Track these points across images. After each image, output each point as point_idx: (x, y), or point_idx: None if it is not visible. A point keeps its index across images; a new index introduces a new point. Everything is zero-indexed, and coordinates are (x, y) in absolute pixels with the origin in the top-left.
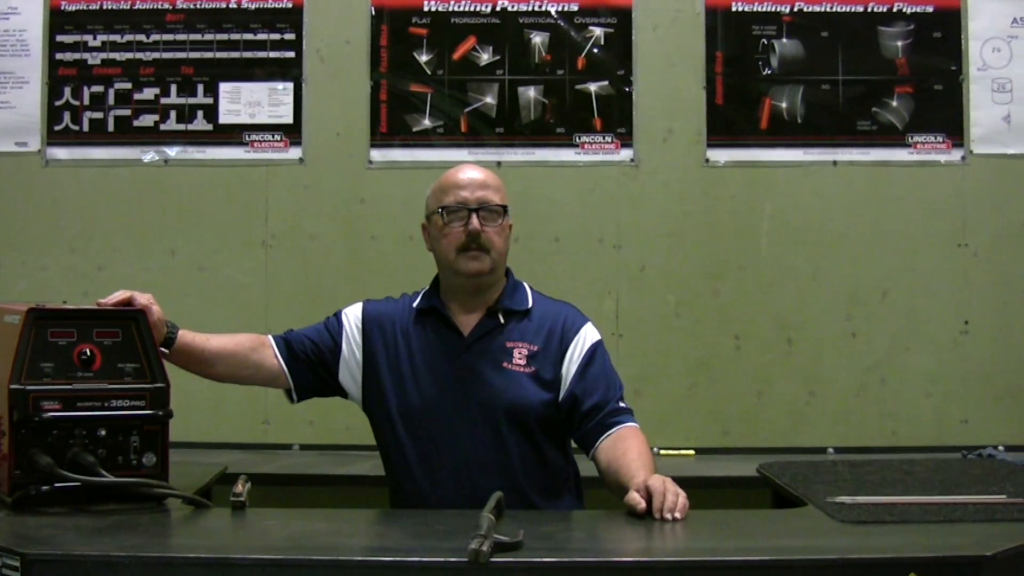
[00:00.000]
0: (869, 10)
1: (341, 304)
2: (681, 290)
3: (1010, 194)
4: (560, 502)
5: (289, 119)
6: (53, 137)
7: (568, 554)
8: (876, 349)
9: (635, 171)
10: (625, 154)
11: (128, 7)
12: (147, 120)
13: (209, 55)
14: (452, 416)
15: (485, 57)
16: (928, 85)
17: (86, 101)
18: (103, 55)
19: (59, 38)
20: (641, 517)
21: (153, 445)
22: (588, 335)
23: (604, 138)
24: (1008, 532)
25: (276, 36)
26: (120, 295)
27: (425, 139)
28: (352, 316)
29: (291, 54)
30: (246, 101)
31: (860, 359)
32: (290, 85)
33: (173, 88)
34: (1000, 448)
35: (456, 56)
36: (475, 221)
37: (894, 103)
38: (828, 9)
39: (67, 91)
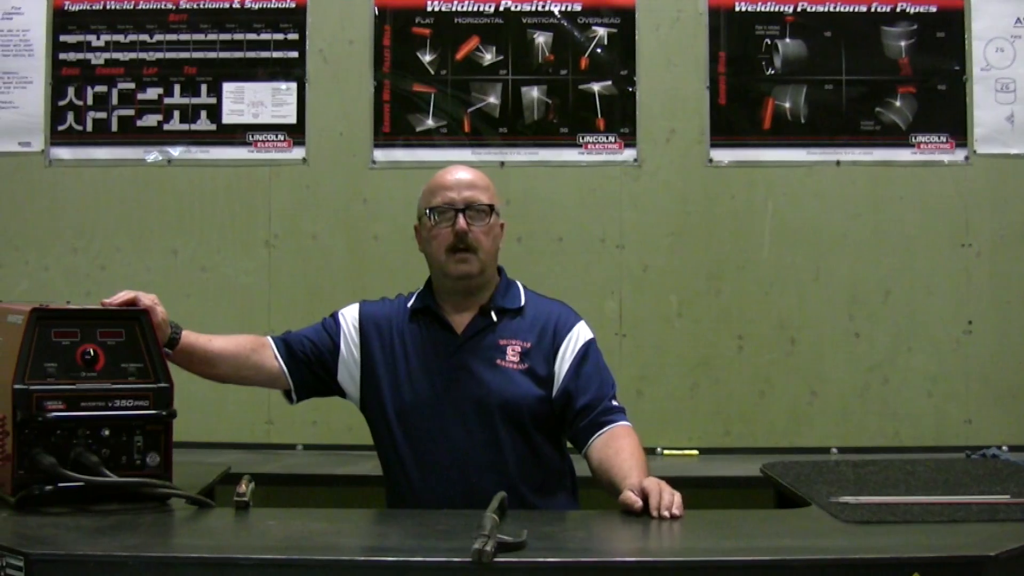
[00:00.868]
0: (872, 10)
1: (343, 304)
2: (683, 290)
3: (1013, 194)
4: (555, 499)
5: (292, 119)
6: (56, 137)
7: (571, 554)
8: (878, 349)
9: (638, 171)
10: (628, 154)
11: (131, 7)
12: (150, 120)
13: (212, 55)
14: (447, 414)
15: (488, 57)
16: (931, 85)
17: (89, 101)
18: (106, 55)
19: (62, 38)
20: (638, 515)
21: (156, 445)
22: (581, 333)
23: (607, 138)
24: (1011, 532)
25: (279, 36)
26: (124, 295)
27: (428, 139)
28: (349, 317)
29: (294, 54)
30: (249, 101)
31: (862, 359)
32: (293, 85)
33: (176, 88)
34: (1003, 448)
35: (459, 56)
36: (461, 221)
37: (897, 103)
38: (831, 9)
39: (70, 91)
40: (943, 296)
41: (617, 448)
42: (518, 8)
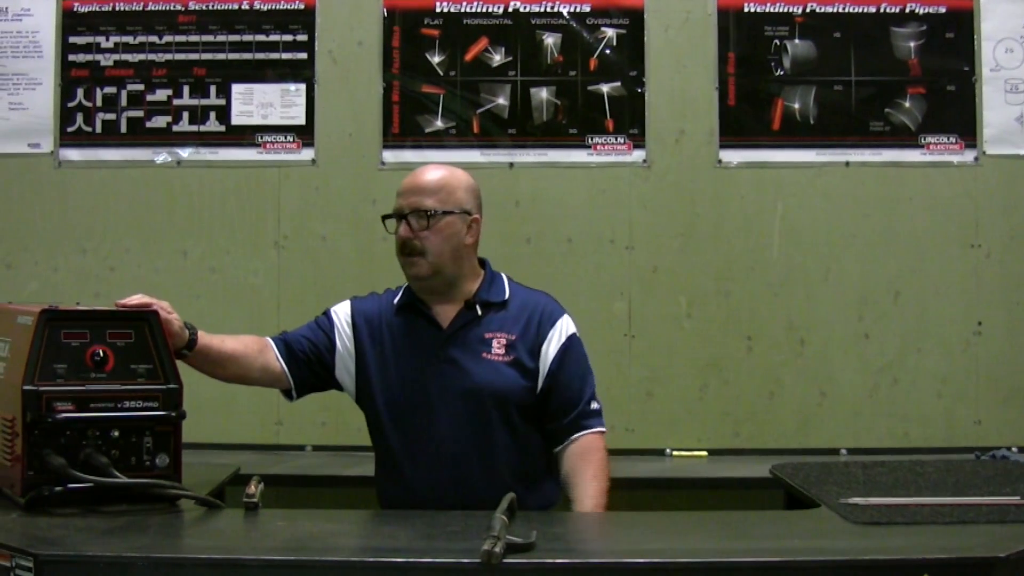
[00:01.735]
0: (881, 11)
1: None
2: (693, 291)
3: (1022, 195)
4: (540, 488)
5: (301, 120)
6: (65, 138)
7: (580, 555)
8: (888, 350)
9: (647, 172)
10: (637, 155)
11: (140, 8)
12: (159, 121)
13: (221, 56)
14: (435, 406)
15: (497, 58)
16: (940, 86)
17: (98, 102)
18: (115, 56)
19: (71, 39)
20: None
21: (166, 446)
22: (565, 326)
23: (616, 139)
24: (1021, 534)
25: (288, 37)
26: (138, 299)
27: (437, 140)
28: (342, 313)
29: (303, 55)
30: (258, 102)
31: (872, 360)
32: (302, 86)
33: (185, 89)
34: (1013, 449)
35: (468, 57)
36: (403, 228)
37: (906, 104)
38: (840, 10)
39: (79, 92)
40: (952, 297)
41: (584, 465)
42: (527, 9)
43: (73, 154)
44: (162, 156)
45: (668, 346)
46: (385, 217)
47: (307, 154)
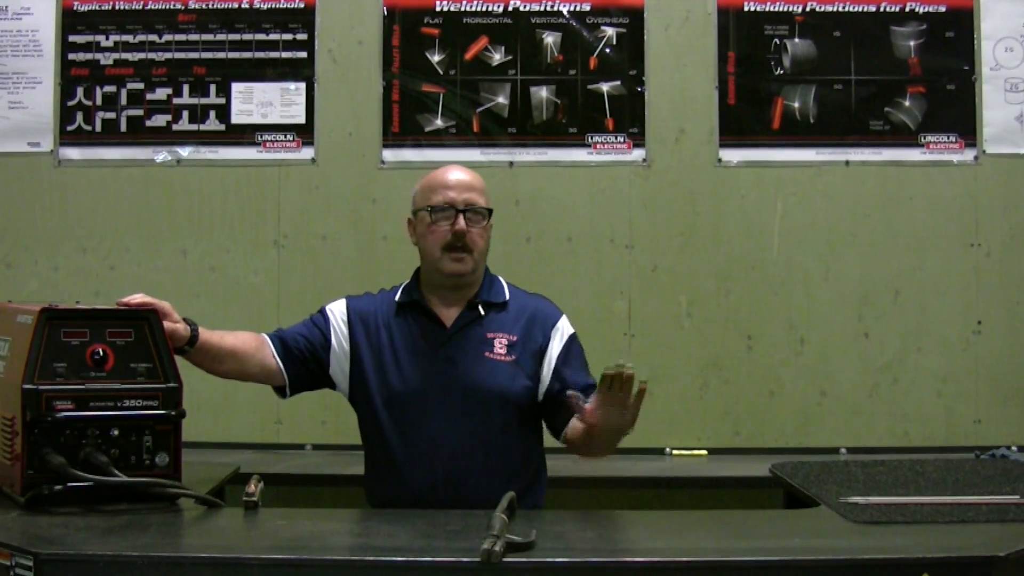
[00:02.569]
0: (881, 10)
1: None
2: (692, 290)
3: (1022, 194)
4: (533, 491)
5: (301, 119)
6: (65, 137)
7: (580, 554)
8: (888, 349)
9: (647, 171)
10: (637, 154)
11: (140, 7)
12: (159, 120)
13: (221, 55)
14: (433, 404)
15: (497, 57)
16: (940, 85)
17: (98, 101)
18: (115, 55)
19: (71, 38)
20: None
21: (166, 445)
22: (565, 328)
23: (616, 138)
24: (1021, 533)
25: (288, 36)
26: (140, 298)
27: (437, 139)
28: (337, 311)
29: (303, 54)
30: (258, 101)
31: (872, 359)
32: (302, 85)
33: (185, 88)
34: (1013, 448)
35: (468, 56)
36: (461, 222)
37: (906, 103)
38: (840, 9)
39: (79, 91)
40: (952, 296)
41: None
42: (527, 8)
43: (73, 153)
44: (162, 155)
45: (668, 345)
46: (427, 208)
47: (307, 153)
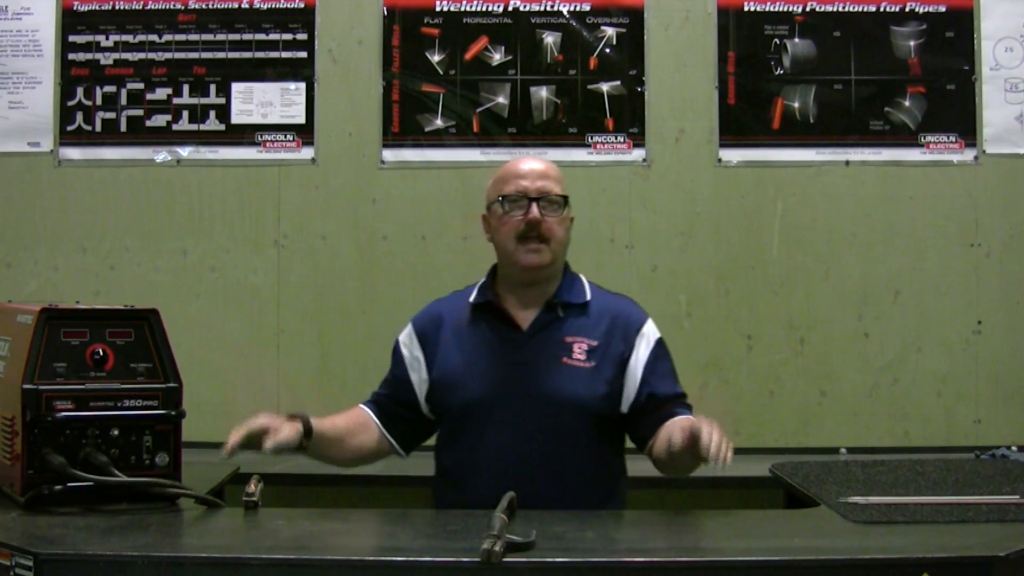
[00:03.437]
0: (881, 10)
1: (351, 304)
2: (692, 290)
3: (1022, 194)
4: (606, 505)
5: (301, 119)
6: (65, 137)
7: (580, 554)
8: (888, 349)
9: (647, 171)
10: (637, 154)
11: (140, 7)
12: (159, 120)
13: (221, 55)
14: (505, 411)
15: (497, 57)
16: (940, 85)
17: (98, 101)
18: (115, 55)
19: (71, 38)
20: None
21: (166, 445)
22: (651, 332)
23: (616, 138)
24: (1021, 533)
25: (288, 36)
26: (263, 421)
27: (437, 139)
28: (405, 340)
29: (303, 54)
30: (258, 101)
31: (872, 359)
32: (302, 85)
33: (185, 88)
34: (1013, 448)
35: (468, 56)
36: (535, 210)
37: (906, 103)
38: (840, 9)
39: (79, 91)
40: (953, 296)
41: (673, 420)
42: (527, 8)
43: (73, 153)
44: (162, 155)
45: (668, 345)
46: (504, 198)
47: (307, 153)
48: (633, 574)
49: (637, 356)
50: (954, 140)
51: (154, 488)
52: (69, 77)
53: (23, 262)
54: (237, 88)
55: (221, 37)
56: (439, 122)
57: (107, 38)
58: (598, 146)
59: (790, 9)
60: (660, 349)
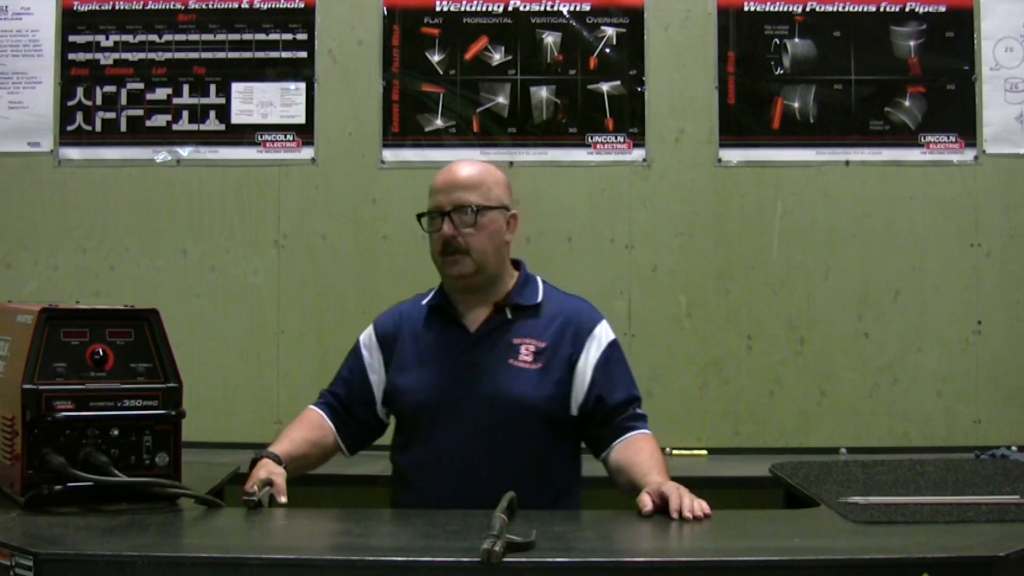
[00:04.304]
0: (881, 10)
1: (351, 304)
2: (692, 290)
3: (1022, 194)
4: (557, 505)
5: (301, 119)
6: (65, 137)
7: (580, 554)
8: (888, 349)
9: (647, 171)
10: (637, 154)
11: (140, 7)
12: (159, 120)
13: (221, 55)
14: (452, 412)
15: (497, 57)
16: (940, 85)
17: (98, 101)
18: (115, 55)
19: (71, 38)
20: (649, 517)
21: (166, 445)
22: (604, 335)
23: (616, 138)
24: (1021, 533)
25: (288, 36)
26: (263, 476)
27: (437, 139)
28: (365, 340)
29: (303, 54)
30: (258, 101)
31: (872, 359)
32: (302, 85)
33: (185, 88)
34: (1013, 448)
35: (468, 56)
36: (446, 227)
37: (906, 103)
38: (840, 9)
39: (79, 91)
40: (952, 296)
41: (637, 449)
42: (527, 8)
43: (73, 153)
44: (162, 155)
45: (668, 345)
46: (421, 215)
47: (307, 153)
48: (633, 574)
49: (587, 358)
50: (954, 140)
51: (154, 488)
52: (69, 77)
53: (23, 262)
54: (237, 88)
55: (221, 37)
56: (439, 122)
57: (107, 38)
58: (598, 146)
59: (790, 9)
60: (612, 351)
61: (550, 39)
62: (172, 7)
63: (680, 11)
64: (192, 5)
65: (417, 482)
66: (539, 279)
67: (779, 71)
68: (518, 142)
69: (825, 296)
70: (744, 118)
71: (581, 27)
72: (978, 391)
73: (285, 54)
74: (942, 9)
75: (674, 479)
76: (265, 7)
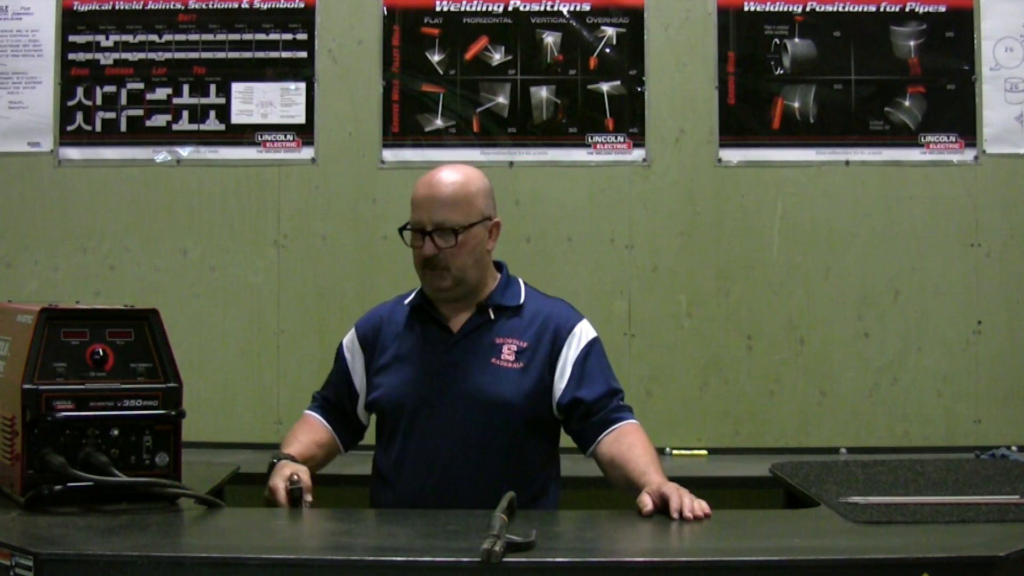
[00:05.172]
0: (881, 10)
1: (351, 304)
2: (692, 290)
3: (1022, 194)
4: (537, 501)
5: (301, 119)
6: (65, 137)
7: (580, 554)
8: (888, 349)
9: (647, 171)
10: (637, 154)
11: (140, 7)
12: (159, 120)
13: (221, 55)
14: (435, 411)
15: (497, 57)
16: (940, 85)
17: (98, 101)
18: (115, 55)
19: (71, 38)
20: (648, 518)
21: (166, 445)
22: (583, 332)
23: (616, 138)
24: (1021, 533)
25: (288, 36)
26: (286, 473)
27: (437, 139)
28: (348, 344)
29: (303, 54)
30: (258, 101)
31: (872, 359)
32: (302, 85)
33: (185, 88)
34: (1013, 448)
35: (468, 56)
36: (428, 246)
37: (906, 103)
38: (840, 9)
39: (79, 91)
40: (953, 296)
41: (630, 444)
42: (527, 8)
43: (73, 153)
44: (162, 155)
45: (668, 345)
46: (402, 229)
47: (307, 153)
48: (633, 574)
49: (567, 356)
50: (954, 140)
51: (154, 488)
52: (69, 77)
53: (23, 262)
54: (237, 88)
55: (221, 37)
56: (439, 122)
57: (107, 38)
58: (598, 146)
59: (790, 9)
60: (592, 347)
61: (550, 39)
62: (172, 7)
63: (680, 11)
64: (192, 5)
65: (396, 480)
66: (520, 281)
67: (779, 71)
68: (518, 142)
69: (825, 296)
70: (744, 118)
71: (581, 27)
72: (978, 391)
73: (285, 54)
74: (942, 9)
75: (674, 479)
76: (265, 7)
